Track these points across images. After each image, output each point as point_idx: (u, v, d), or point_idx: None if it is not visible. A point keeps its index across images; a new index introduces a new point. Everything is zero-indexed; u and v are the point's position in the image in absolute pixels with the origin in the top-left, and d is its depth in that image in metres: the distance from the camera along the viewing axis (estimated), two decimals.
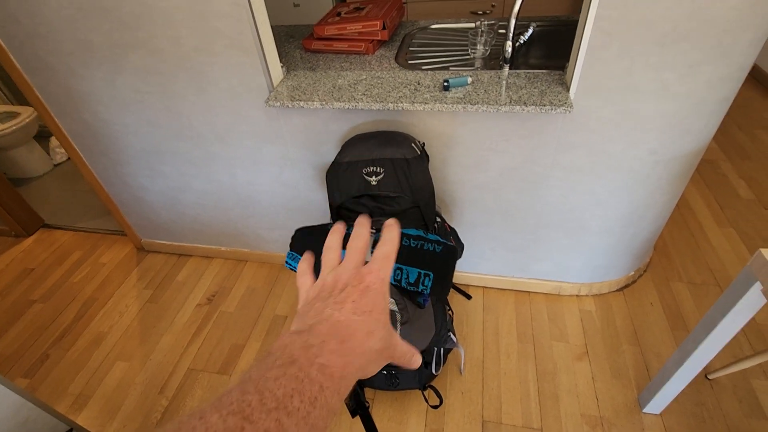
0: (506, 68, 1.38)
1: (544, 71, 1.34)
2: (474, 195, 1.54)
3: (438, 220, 1.35)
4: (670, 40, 1.06)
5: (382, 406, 1.50)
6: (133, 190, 1.93)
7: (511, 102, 1.20)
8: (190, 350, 1.75)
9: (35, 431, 1.13)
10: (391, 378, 1.38)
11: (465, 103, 1.22)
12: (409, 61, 1.54)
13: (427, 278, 1.10)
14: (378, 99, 1.28)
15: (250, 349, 1.73)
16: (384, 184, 1.23)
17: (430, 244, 1.12)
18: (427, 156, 1.40)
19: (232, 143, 1.60)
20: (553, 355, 1.61)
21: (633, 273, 1.80)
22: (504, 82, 1.31)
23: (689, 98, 1.18)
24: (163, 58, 1.39)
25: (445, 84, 1.28)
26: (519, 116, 1.29)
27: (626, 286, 1.81)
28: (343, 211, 1.32)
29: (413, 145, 1.28)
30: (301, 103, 1.31)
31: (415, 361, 0.35)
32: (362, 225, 0.38)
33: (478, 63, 1.52)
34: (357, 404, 1.49)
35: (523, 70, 1.36)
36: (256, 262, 2.10)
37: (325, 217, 1.79)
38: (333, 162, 1.29)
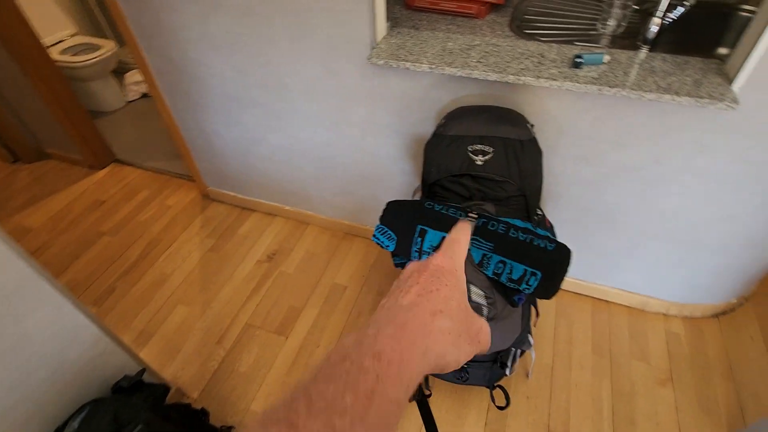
0: (645, 50, 1.19)
1: (694, 58, 1.14)
2: (574, 191, 1.39)
3: (539, 212, 1.22)
4: None
5: (441, 396, 1.43)
6: (208, 136, 1.89)
7: (658, 89, 1.02)
8: (249, 305, 1.73)
9: (109, 364, 1.14)
10: (461, 371, 1.29)
11: (602, 84, 1.05)
12: (525, 30, 1.36)
13: (533, 277, 0.98)
14: (496, 69, 1.13)
15: (307, 313, 1.69)
16: (491, 165, 1.11)
17: (541, 240, 1.00)
18: (536, 141, 1.25)
19: (318, 99, 1.51)
20: (631, 374, 1.47)
21: (734, 300, 1.60)
22: (645, 65, 1.12)
23: None
24: None
25: (577, 60, 1.11)
26: (656, 107, 1.11)
27: (723, 313, 1.62)
28: (437, 188, 1.20)
29: (528, 125, 1.13)
30: (408, 64, 1.19)
31: (488, 342, 0.31)
32: (460, 233, 0.35)
33: (605, 40, 1.32)
34: (416, 390, 1.43)
35: (667, 54, 1.16)
36: (318, 227, 2.04)
37: (401, 192, 1.69)
38: (434, 133, 1.17)
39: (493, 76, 1.12)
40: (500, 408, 1.36)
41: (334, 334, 1.62)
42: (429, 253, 1.07)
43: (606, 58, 1.12)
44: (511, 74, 1.11)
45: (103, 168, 2.49)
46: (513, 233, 1.00)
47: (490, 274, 1.04)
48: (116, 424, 0.91)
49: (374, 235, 1.12)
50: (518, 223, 1.04)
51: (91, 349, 1.07)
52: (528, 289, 1.00)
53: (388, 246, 1.10)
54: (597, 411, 1.39)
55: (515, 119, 1.13)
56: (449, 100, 1.32)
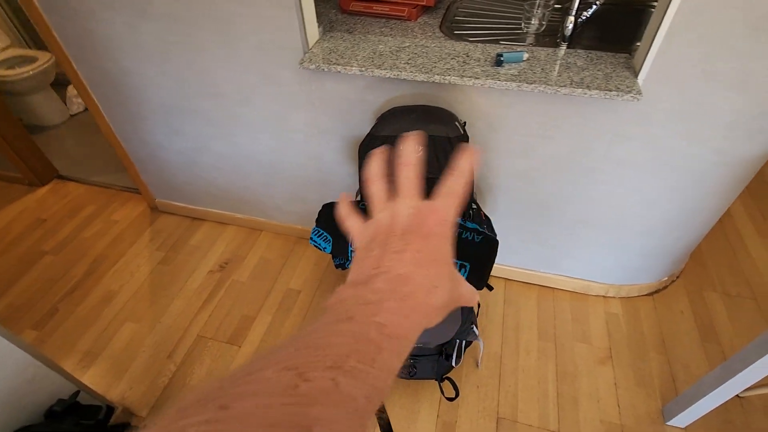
0: (564, 47, 1.26)
1: (607, 53, 1.22)
2: (511, 183, 1.44)
3: (473, 206, 1.26)
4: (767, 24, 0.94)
5: (395, 393, 1.46)
6: (150, 148, 1.85)
7: (572, 84, 1.08)
8: (201, 317, 1.71)
9: (42, 390, 1.10)
10: (409, 367, 1.32)
11: (520, 81, 1.10)
12: (455, 31, 1.41)
13: (462, 269, 1.02)
14: (423, 69, 1.17)
15: (261, 321, 1.68)
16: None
17: (468, 233, 1.04)
18: (467, 137, 1.30)
19: (258, 106, 1.50)
20: (574, 356, 1.54)
21: (666, 278, 1.71)
22: (562, 61, 1.18)
23: None
24: (189, 4, 1.28)
25: (499, 58, 1.16)
26: (576, 101, 1.17)
27: (657, 292, 1.72)
28: None
29: (456, 123, 1.17)
30: (339, 68, 1.21)
31: (474, 299, 0.31)
32: (411, 143, 0.31)
33: (530, 39, 1.39)
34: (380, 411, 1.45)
35: (582, 50, 1.23)
36: (272, 233, 2.03)
37: (349, 194, 1.71)
38: (368, 134, 1.19)
39: (420, 77, 1.16)
40: (450, 399, 1.40)
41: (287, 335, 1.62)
42: None
43: (525, 55, 1.18)
44: (437, 74, 1.15)
45: (45, 185, 2.38)
46: None
47: None
48: None
49: (311, 238, 1.13)
50: None
51: (18, 376, 1.03)
52: (465, 275, 1.03)
53: (325, 248, 1.12)
54: (543, 393, 1.45)
55: (444, 117, 1.17)
56: (384, 101, 1.35)
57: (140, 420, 1.42)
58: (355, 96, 1.36)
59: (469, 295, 0.31)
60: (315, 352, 0.21)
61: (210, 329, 1.67)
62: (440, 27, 1.42)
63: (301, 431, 0.17)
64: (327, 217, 1.12)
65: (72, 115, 2.90)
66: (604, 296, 1.72)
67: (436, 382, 1.41)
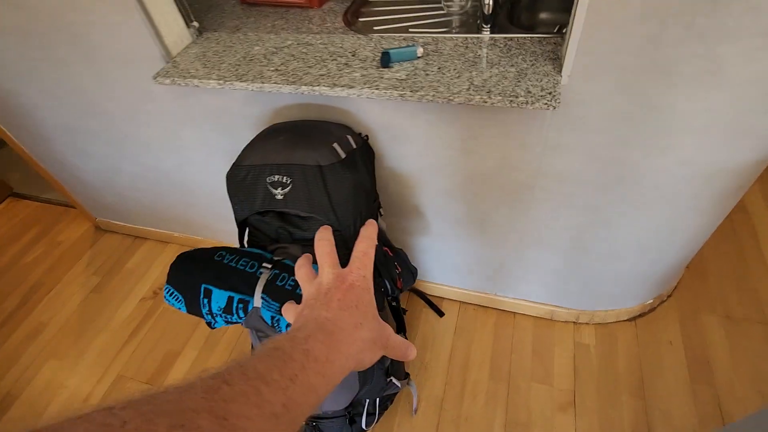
0: (486, 31, 0.97)
1: (537, 36, 0.92)
2: (440, 202, 1.19)
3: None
4: None
5: None
6: (68, 168, 1.70)
7: (470, 89, 0.81)
8: (124, 353, 1.58)
9: None
10: (312, 429, 1.13)
11: (403, 89, 0.84)
12: (361, 19, 1.14)
13: None
14: (291, 78, 0.92)
15: (185, 357, 1.54)
16: (292, 199, 0.91)
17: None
18: (371, 152, 1.06)
19: (144, 123, 1.31)
20: (530, 400, 1.30)
21: (652, 300, 1.41)
22: (472, 54, 0.90)
23: (757, 85, 0.75)
24: (34, 16, 1.08)
25: (385, 57, 0.90)
26: (489, 108, 0.90)
27: (640, 316, 1.43)
28: (250, 227, 1.02)
29: (336, 144, 0.93)
30: (195, 81, 0.98)
31: (410, 353, 0.35)
32: (323, 232, 0.38)
33: (455, 22, 1.10)
34: None
35: (509, 35, 0.94)
36: None
37: None
38: (233, 164, 0.97)
39: (286, 89, 0.92)
40: None
41: None
42: (220, 315, 0.89)
43: (420, 51, 0.90)
44: (305, 85, 0.90)
45: None
46: (280, 282, 0.82)
47: (268, 321, 0.86)
48: None
49: (165, 297, 0.94)
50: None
51: None
52: None
53: (180, 308, 0.93)
54: None
55: (318, 139, 0.93)
56: (270, 113, 1.11)
57: None
58: (237, 110, 1.14)
59: (398, 343, 0.34)
60: (240, 368, 0.24)
61: (131, 367, 1.54)
62: (344, 15, 1.15)
63: (216, 418, 0.20)
64: (178, 271, 0.92)
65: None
66: (574, 322, 1.45)
67: None
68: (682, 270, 1.43)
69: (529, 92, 0.78)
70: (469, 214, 1.19)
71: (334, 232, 0.94)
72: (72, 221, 2.14)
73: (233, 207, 0.99)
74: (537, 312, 1.46)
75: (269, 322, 0.85)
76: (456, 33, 1.02)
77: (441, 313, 1.53)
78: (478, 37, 0.96)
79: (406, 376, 1.30)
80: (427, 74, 0.87)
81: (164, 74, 1.01)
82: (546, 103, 0.76)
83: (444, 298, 1.57)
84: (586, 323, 1.44)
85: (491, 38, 0.95)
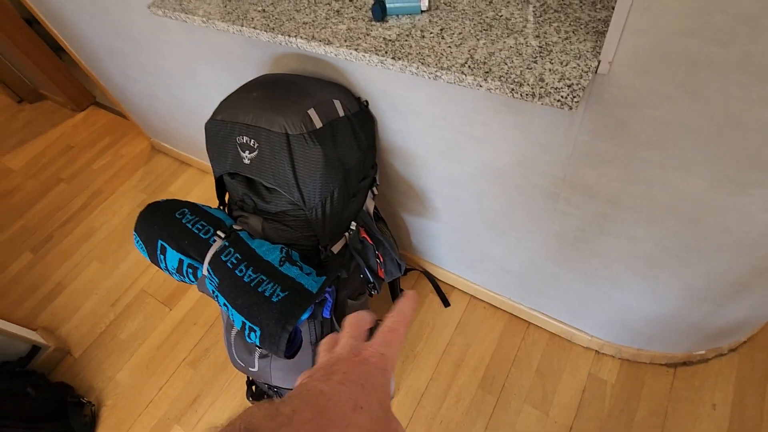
0: None
1: None
2: (446, 190, 1.01)
3: (352, 228, 0.90)
4: None
5: None
6: (119, 88, 1.77)
7: (465, 65, 0.60)
8: (150, 270, 1.71)
9: None
10: (274, 395, 1.12)
11: (385, 53, 0.66)
12: None
13: (252, 333, 0.73)
14: (273, 24, 0.78)
15: (194, 289, 1.62)
16: (257, 166, 0.81)
17: (271, 285, 0.72)
18: (371, 119, 0.90)
19: (167, 56, 1.26)
20: (517, 423, 1.16)
21: (704, 351, 1.13)
22: (493, 14, 0.67)
23: None
24: None
25: (378, 7, 0.70)
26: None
27: (684, 364, 1.17)
28: (225, 186, 0.95)
29: (312, 112, 0.79)
30: (183, 16, 0.88)
31: None
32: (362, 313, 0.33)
33: None
34: (257, 395, 1.31)
35: None
36: None
37: None
38: (210, 117, 0.88)
39: (264, 36, 0.78)
40: None
41: (213, 314, 1.54)
42: (173, 273, 0.87)
43: (425, 3, 0.69)
44: (282, 34, 0.75)
45: (83, 110, 2.56)
46: (241, 270, 0.75)
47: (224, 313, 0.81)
48: None
49: (135, 242, 0.93)
50: (266, 253, 0.77)
51: None
52: (256, 341, 0.76)
53: (145, 255, 0.92)
54: None
55: (294, 102, 0.79)
56: (270, 58, 0.99)
57: (72, 360, 1.53)
58: (241, 52, 1.03)
59: None
60: None
61: (153, 285, 1.66)
62: None
63: None
64: (144, 221, 0.89)
65: None
66: (596, 351, 1.23)
67: None
68: (761, 324, 1.11)
69: (542, 80, 0.55)
70: (481, 210, 1.00)
71: (297, 211, 0.84)
72: (135, 136, 2.30)
73: (210, 161, 0.92)
74: (555, 329, 1.26)
75: (211, 293, 0.80)
76: None
77: (447, 303, 1.40)
78: None
79: None
80: (423, 36, 0.67)
81: (158, 4, 0.93)
82: (560, 99, 0.54)
83: (455, 288, 1.42)
84: (611, 356, 1.21)
85: None
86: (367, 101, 0.90)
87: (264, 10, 0.81)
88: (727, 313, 0.91)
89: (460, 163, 0.90)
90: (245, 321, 0.73)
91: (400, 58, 0.64)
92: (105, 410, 1.39)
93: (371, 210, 0.97)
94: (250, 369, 0.96)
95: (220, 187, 0.96)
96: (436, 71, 0.61)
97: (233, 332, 0.95)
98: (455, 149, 0.87)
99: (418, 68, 0.63)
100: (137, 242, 0.91)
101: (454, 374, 1.27)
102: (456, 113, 0.78)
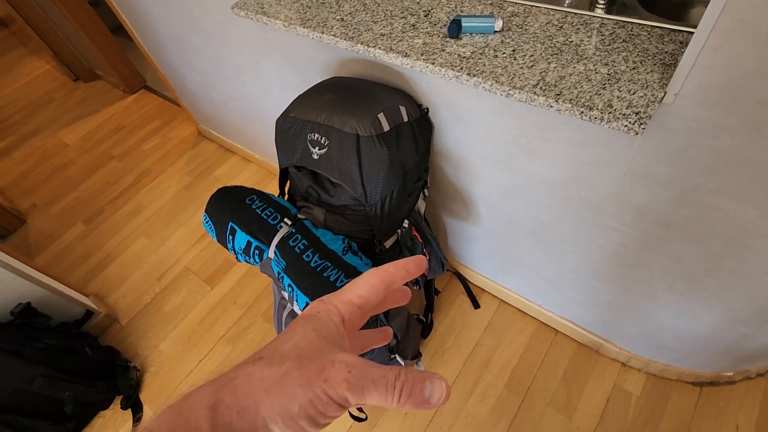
0: (601, 8, 0.76)
1: (660, 26, 0.70)
2: (494, 197, 1.06)
3: (405, 226, 0.96)
4: None
5: None
6: (178, 76, 1.87)
7: (537, 86, 0.66)
8: (194, 249, 1.81)
9: (7, 291, 1.30)
10: None
11: (461, 69, 0.71)
12: None
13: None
14: (350, 33, 0.84)
15: (237, 270, 1.71)
16: (325, 161, 0.88)
17: (336, 271, 0.79)
18: (430, 125, 0.96)
19: (235, 49, 1.34)
20: (540, 425, 1.21)
21: (732, 373, 1.16)
22: (563, 39, 0.72)
23: None
24: None
25: (455, 25, 0.76)
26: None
27: (710, 384, 1.19)
28: (291, 176, 1.02)
29: (382, 116, 0.85)
30: (265, 19, 0.95)
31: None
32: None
33: None
34: None
35: (627, 19, 0.73)
36: None
37: None
38: (282, 113, 0.96)
39: (343, 44, 0.84)
40: (357, 420, 1.26)
41: (252, 295, 1.62)
42: (240, 254, 0.94)
43: (498, 24, 0.75)
44: (362, 43, 0.82)
45: (134, 93, 2.68)
46: (308, 256, 0.82)
47: (286, 295, 0.88)
48: None
49: (203, 222, 1.01)
50: (330, 242, 0.84)
51: None
52: None
53: (212, 236, 1.00)
54: None
55: (365, 105, 0.85)
56: (336, 63, 1.05)
57: (119, 326, 1.63)
58: (309, 54, 1.10)
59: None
60: None
61: (196, 263, 1.76)
62: None
63: None
64: (214, 204, 0.97)
65: None
66: (623, 363, 1.27)
67: None
68: None
69: (610, 106, 0.60)
70: (525, 219, 1.04)
71: (358, 206, 0.90)
72: (183, 121, 2.41)
73: (277, 153, 1.00)
74: (583, 339, 1.30)
75: (276, 275, 0.87)
76: (559, 6, 0.82)
77: (477, 305, 1.45)
78: (583, 16, 0.76)
79: (418, 355, 1.29)
80: (496, 56, 0.72)
81: (241, 6, 1.00)
82: (627, 125, 0.58)
83: (485, 291, 1.47)
84: (638, 369, 1.25)
85: (602, 20, 0.74)
86: (428, 108, 0.96)
87: (342, 19, 0.88)
88: (761, 337, 0.94)
89: (512, 173, 0.95)
90: (309, 302, 0.80)
91: (474, 75, 0.70)
92: (148, 376, 1.49)
93: (422, 210, 1.03)
94: None
95: (283, 178, 1.04)
96: (509, 90, 0.67)
97: (285, 312, 1.03)
98: (509, 160, 0.92)
99: (491, 86, 0.68)
100: (206, 222, 0.99)
101: (481, 373, 1.32)
102: (516, 127, 0.84)
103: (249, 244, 0.90)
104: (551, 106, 0.64)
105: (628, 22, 0.72)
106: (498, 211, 1.09)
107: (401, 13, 0.86)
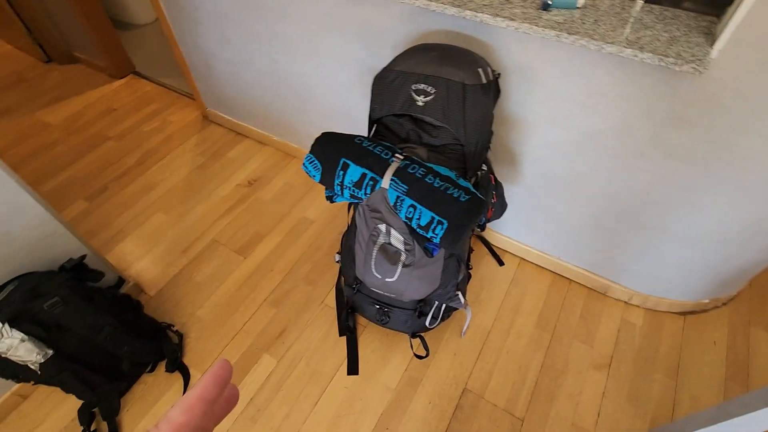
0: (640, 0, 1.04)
1: (690, 13, 0.99)
2: (541, 154, 1.29)
3: (483, 168, 1.15)
4: None
5: (371, 336, 1.47)
6: (203, 55, 1.91)
7: (622, 42, 0.90)
8: (220, 223, 1.82)
9: (57, 246, 1.25)
10: (382, 314, 1.31)
11: (561, 30, 0.94)
12: None
13: (440, 226, 0.95)
14: (456, 2, 1.04)
15: (270, 240, 1.75)
16: (431, 107, 1.05)
17: (456, 190, 0.95)
18: (498, 91, 1.17)
19: (295, 23, 1.46)
20: (568, 353, 1.43)
21: (707, 301, 1.48)
22: (625, 14, 0.98)
23: None
24: None
25: (546, 1, 0.99)
26: (628, 66, 0.98)
27: (691, 313, 1.51)
28: (380, 126, 1.16)
29: (480, 70, 1.04)
30: None
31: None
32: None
33: None
34: (346, 326, 1.47)
35: (660, 6, 1.01)
36: (302, 161, 2.05)
37: None
38: (384, 68, 1.11)
39: (451, 10, 1.04)
40: (418, 357, 1.38)
41: (289, 262, 1.68)
42: (349, 188, 1.06)
43: (580, 1, 0.99)
44: (470, 9, 1.01)
45: (122, 78, 2.60)
46: (429, 179, 0.97)
47: (402, 217, 1.02)
48: (33, 293, 1.02)
49: (304, 164, 1.11)
50: (441, 170, 1.00)
51: (37, 228, 1.17)
52: (434, 237, 0.97)
53: (314, 176, 1.10)
54: (520, 379, 1.37)
55: (466, 61, 1.05)
56: (417, 34, 1.24)
57: (147, 297, 1.59)
58: (389, 25, 1.26)
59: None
60: None
61: (224, 236, 1.77)
62: None
63: None
64: (322, 144, 1.08)
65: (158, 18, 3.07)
66: (625, 302, 1.54)
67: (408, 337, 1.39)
68: (746, 283, 1.48)
69: (680, 55, 0.86)
70: (565, 171, 1.29)
71: (456, 145, 1.08)
72: (184, 107, 2.39)
73: (372, 106, 1.14)
74: (592, 284, 1.56)
75: (392, 201, 1.01)
76: None
77: (501, 263, 1.66)
78: (634, 3, 1.03)
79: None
80: (584, 23, 0.96)
81: None
82: (694, 67, 0.84)
83: (506, 252, 1.69)
84: (637, 306, 1.53)
85: (648, 7, 1.02)
86: (499, 73, 1.17)
87: None
88: (740, 258, 1.25)
89: (564, 129, 1.19)
90: (434, 216, 0.95)
91: (572, 33, 0.93)
92: (190, 341, 1.47)
93: (492, 159, 1.22)
94: (387, 279, 1.16)
95: (371, 127, 1.17)
96: (602, 44, 0.90)
97: (376, 247, 1.15)
98: (565, 116, 1.16)
99: (588, 41, 0.91)
100: (310, 162, 1.09)
101: (513, 317, 1.52)
102: (579, 85, 1.08)
103: (363, 176, 1.02)
104: (636, 56, 0.88)
105: (660, 8, 1.00)
106: (541, 167, 1.32)
107: None
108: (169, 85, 2.52)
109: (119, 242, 1.76)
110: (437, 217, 0.95)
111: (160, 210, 1.87)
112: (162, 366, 1.40)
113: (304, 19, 1.43)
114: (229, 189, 1.96)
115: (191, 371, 1.41)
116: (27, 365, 1.01)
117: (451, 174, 0.99)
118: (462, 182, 0.98)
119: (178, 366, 1.39)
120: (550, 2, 0.99)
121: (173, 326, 1.46)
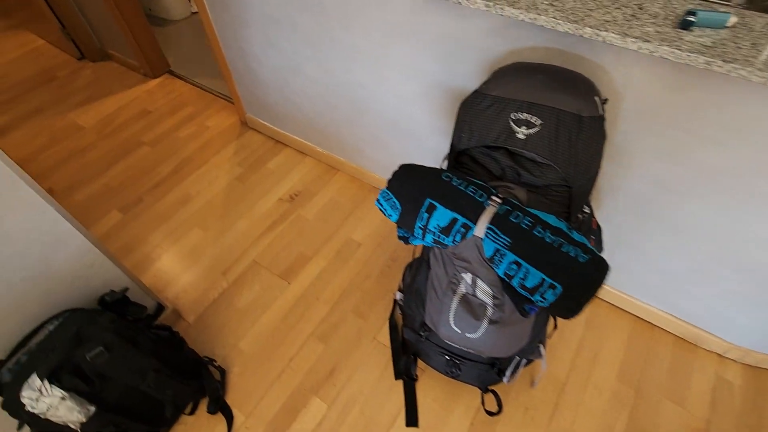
0: None
1: None
2: (640, 189, 1.11)
3: (586, 211, 0.99)
4: None
5: (431, 382, 1.32)
6: (247, 59, 1.77)
7: None
8: (261, 242, 1.69)
9: (98, 277, 1.14)
10: (452, 366, 1.16)
11: (713, 56, 0.76)
12: None
13: (551, 290, 0.79)
14: (572, 17, 0.86)
15: (315, 264, 1.62)
16: (535, 141, 0.88)
17: (572, 248, 0.79)
18: (603, 120, 0.99)
19: (357, 30, 1.31)
20: (658, 414, 1.26)
21: None
22: None
23: None
24: None
25: (688, 18, 0.81)
26: None
27: None
28: (465, 158, 1.00)
29: (597, 99, 0.87)
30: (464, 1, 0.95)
31: None
32: None
33: None
34: (405, 371, 1.33)
35: None
36: (348, 175, 1.91)
37: (436, 153, 1.49)
38: (475, 91, 0.95)
39: (564, 27, 0.86)
40: (490, 414, 1.23)
41: (336, 290, 1.54)
42: (434, 233, 0.90)
43: (732, 20, 0.81)
44: (589, 27, 0.84)
45: (157, 77, 2.49)
46: (539, 232, 0.81)
47: (500, 273, 0.86)
48: (75, 340, 0.90)
49: (378, 200, 0.96)
50: (550, 219, 0.83)
51: (78, 259, 1.06)
52: (542, 302, 0.82)
53: (390, 216, 0.95)
54: None
55: (581, 88, 0.88)
56: (505, 51, 1.07)
57: (186, 324, 1.47)
58: (472, 39, 1.10)
59: None
60: None
61: (266, 258, 1.64)
62: None
63: None
64: (402, 180, 0.93)
65: (193, 13, 2.96)
66: (719, 355, 1.36)
67: (479, 390, 1.24)
68: None
69: None
70: (668, 210, 1.11)
71: (562, 187, 0.91)
72: (220, 110, 2.27)
73: (456, 134, 0.98)
74: (681, 332, 1.38)
75: (489, 254, 0.85)
76: (743, 8, 0.90)
77: None
78: None
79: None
80: (739, 47, 0.78)
81: None
82: None
83: None
84: (734, 360, 1.34)
85: None
86: (606, 99, 0.99)
87: (552, 4, 0.90)
88: None
89: (675, 163, 1.01)
90: (545, 278, 0.79)
91: (728, 61, 0.75)
92: (232, 377, 1.35)
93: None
94: (468, 335, 1.00)
95: (453, 159, 1.02)
96: (765, 74, 0.72)
97: (456, 297, 0.99)
98: (679, 150, 0.98)
99: (750, 72, 0.74)
100: (386, 199, 0.94)
101: (591, 368, 1.35)
102: (706, 117, 0.90)
103: (454, 221, 0.87)
104: None
105: None
106: (638, 202, 1.15)
107: (612, 4, 0.90)
108: (206, 86, 2.40)
109: (155, 260, 1.65)
110: (548, 280, 0.79)
111: (198, 225, 1.75)
112: (203, 405, 1.28)
113: (368, 26, 1.27)
114: (270, 203, 1.82)
115: (234, 412, 1.28)
116: (67, 425, 0.89)
117: (562, 225, 0.83)
118: (575, 236, 0.82)
119: (221, 406, 1.27)
120: (693, 19, 0.81)
121: (215, 361, 1.34)
